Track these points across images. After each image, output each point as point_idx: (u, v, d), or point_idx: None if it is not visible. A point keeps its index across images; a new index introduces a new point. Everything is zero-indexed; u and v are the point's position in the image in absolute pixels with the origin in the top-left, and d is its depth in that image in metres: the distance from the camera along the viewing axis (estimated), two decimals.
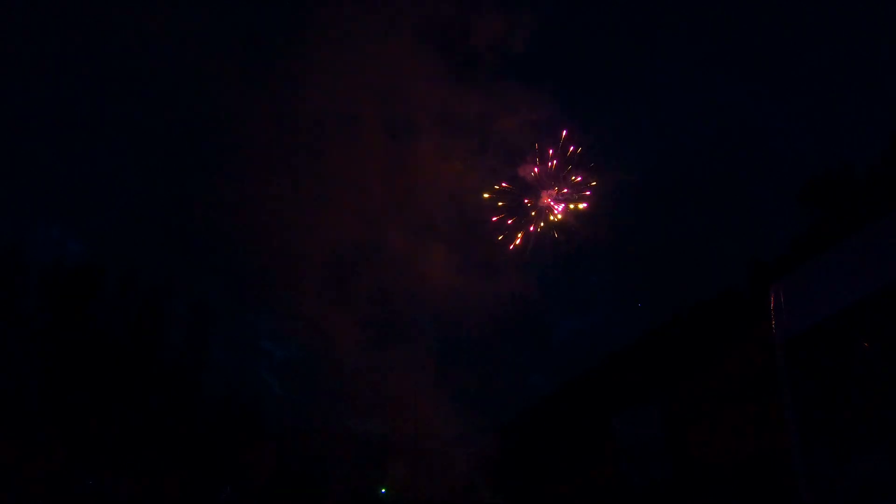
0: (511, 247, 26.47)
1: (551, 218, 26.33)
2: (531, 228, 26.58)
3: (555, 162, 26.21)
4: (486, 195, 27.58)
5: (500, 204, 27.36)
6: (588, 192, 26.15)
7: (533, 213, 26.60)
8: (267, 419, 36.60)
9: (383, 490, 35.94)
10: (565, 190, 26.40)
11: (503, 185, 27.28)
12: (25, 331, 28.34)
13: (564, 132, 26.11)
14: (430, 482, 34.83)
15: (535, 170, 26.46)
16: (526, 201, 26.86)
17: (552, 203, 26.38)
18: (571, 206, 26.27)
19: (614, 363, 12.02)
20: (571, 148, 26.22)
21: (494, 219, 27.20)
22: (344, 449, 37.48)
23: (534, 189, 26.86)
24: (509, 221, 26.91)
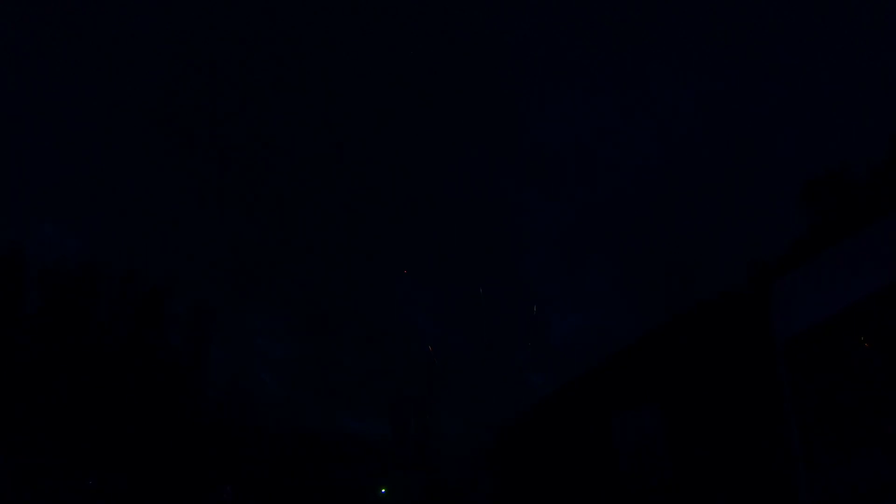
0: None
1: None
2: None
3: None
4: None
5: None
6: None
7: None
8: (267, 419, 36.60)
9: (383, 490, 35.94)
10: None
11: None
12: (25, 331, 28.32)
13: None
14: (430, 482, 34.80)
15: None
16: None
17: None
18: None
19: (614, 363, 12.01)
20: None
21: None
22: (344, 449, 37.47)
23: None
24: None
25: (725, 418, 9.06)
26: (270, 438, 35.33)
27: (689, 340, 10.23)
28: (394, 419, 42.65)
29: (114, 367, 29.23)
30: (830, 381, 6.99)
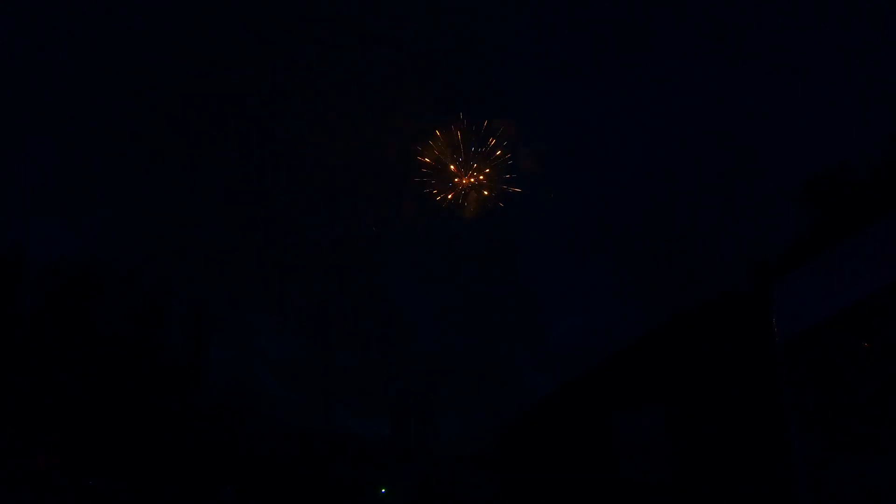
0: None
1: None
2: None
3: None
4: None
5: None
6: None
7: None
8: (267, 419, 36.62)
9: (383, 490, 35.97)
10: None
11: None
12: (26, 330, 28.33)
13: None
14: (430, 482, 34.83)
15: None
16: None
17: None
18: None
19: (615, 363, 12.04)
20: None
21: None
22: (344, 449, 37.50)
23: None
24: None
25: (726, 418, 9.08)
26: (270, 438, 35.35)
27: (690, 340, 10.25)
28: (394, 419, 42.70)
29: (114, 366, 29.23)
30: (830, 381, 6.99)
